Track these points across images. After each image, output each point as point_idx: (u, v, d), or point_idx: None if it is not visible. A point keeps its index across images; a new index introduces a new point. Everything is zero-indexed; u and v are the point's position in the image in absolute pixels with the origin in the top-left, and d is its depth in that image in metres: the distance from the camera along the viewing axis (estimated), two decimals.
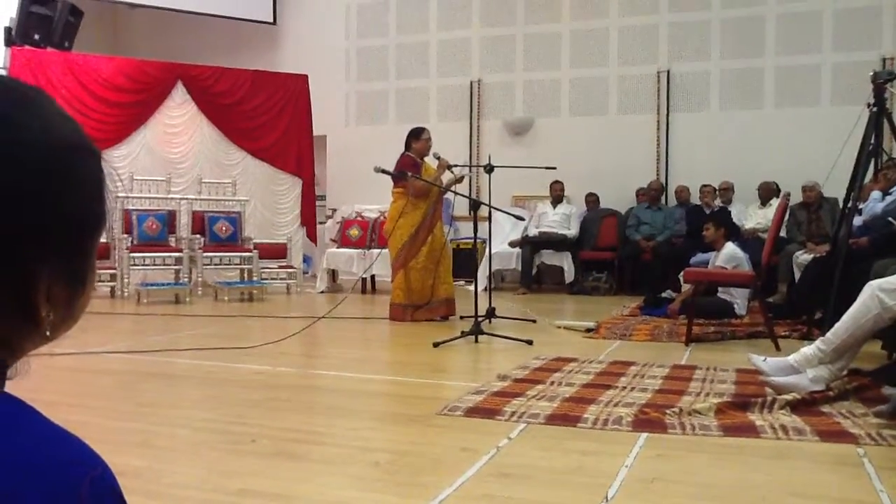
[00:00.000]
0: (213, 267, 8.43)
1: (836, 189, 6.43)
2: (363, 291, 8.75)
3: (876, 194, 5.37)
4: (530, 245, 9.02)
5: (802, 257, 6.91)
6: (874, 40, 8.78)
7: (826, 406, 3.16)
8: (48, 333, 0.62)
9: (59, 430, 0.59)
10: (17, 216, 0.57)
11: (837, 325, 3.35)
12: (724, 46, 9.38)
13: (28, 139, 0.59)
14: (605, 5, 9.86)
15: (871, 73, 5.17)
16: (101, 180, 0.65)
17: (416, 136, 6.24)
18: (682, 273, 6.16)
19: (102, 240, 0.67)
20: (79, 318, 0.66)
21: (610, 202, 9.43)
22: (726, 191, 8.79)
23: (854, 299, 3.33)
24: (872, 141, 5.06)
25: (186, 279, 8.14)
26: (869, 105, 5.11)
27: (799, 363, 3.41)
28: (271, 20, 11.15)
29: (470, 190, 9.72)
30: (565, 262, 8.99)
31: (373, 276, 8.83)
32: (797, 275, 6.79)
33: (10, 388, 0.61)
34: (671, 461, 2.50)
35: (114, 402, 3.41)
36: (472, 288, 5.95)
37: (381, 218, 8.12)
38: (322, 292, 8.66)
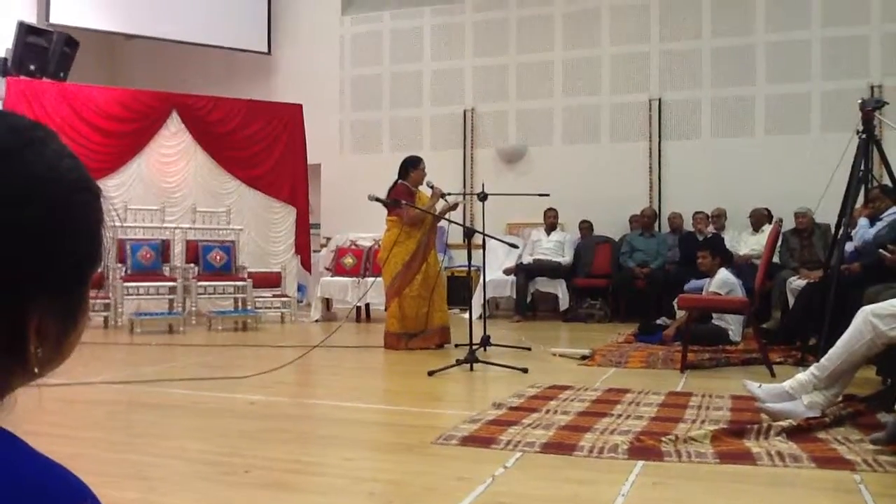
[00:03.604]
0: (206, 296, 8.41)
1: (827, 215, 6.47)
2: (357, 320, 8.73)
3: (863, 221, 5.40)
4: (524, 273, 9.02)
5: (796, 283, 6.92)
6: (862, 68, 8.89)
7: (822, 432, 3.16)
8: (36, 370, 0.62)
9: (47, 461, 0.59)
10: (17, 254, 0.58)
11: (831, 350, 3.36)
12: (714, 75, 9.48)
13: (33, 179, 0.59)
14: (596, 35, 9.97)
15: (860, 101, 5.23)
16: (100, 219, 0.66)
17: (415, 166, 6.26)
18: (676, 300, 6.16)
19: (97, 270, 0.67)
20: (69, 354, 0.66)
21: (603, 229, 9.46)
22: (719, 217, 8.84)
23: (847, 325, 3.34)
24: (862, 167, 5.11)
25: (180, 308, 8.11)
26: (858, 132, 5.16)
27: (794, 389, 3.40)
28: (266, 50, 11.24)
29: (464, 218, 9.74)
30: (559, 289, 8.99)
31: (367, 305, 8.81)
32: (791, 301, 6.80)
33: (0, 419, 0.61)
34: (667, 489, 2.48)
35: (107, 433, 3.39)
36: (466, 316, 5.94)
37: (376, 246, 8.11)
38: (316, 321, 8.63)
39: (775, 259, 7.28)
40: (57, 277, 0.61)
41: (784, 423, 3.18)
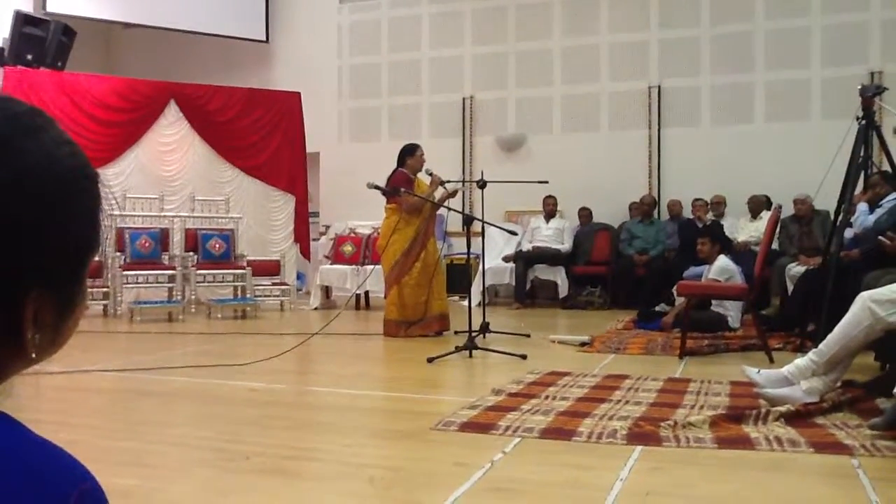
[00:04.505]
0: (206, 284, 8.41)
1: (827, 202, 6.46)
2: (357, 308, 8.74)
3: (862, 206, 5.39)
4: (524, 260, 9.03)
5: (795, 270, 6.93)
6: (862, 55, 8.86)
7: (820, 418, 3.17)
8: (33, 356, 0.62)
9: (48, 444, 0.59)
10: (15, 242, 0.57)
11: (830, 336, 3.36)
12: (714, 62, 9.45)
13: (31, 167, 0.59)
14: (595, 22, 9.93)
15: (860, 87, 5.21)
16: (98, 206, 0.65)
17: (411, 153, 6.26)
18: (675, 286, 6.17)
19: (95, 258, 0.67)
20: (66, 340, 0.66)
21: (603, 217, 9.45)
22: (718, 204, 8.83)
23: (846, 311, 3.34)
24: (862, 154, 5.10)
25: (179, 297, 8.11)
26: (858, 118, 5.15)
27: (793, 375, 3.41)
28: (264, 38, 11.20)
29: (463, 205, 9.74)
30: (559, 276, 8.99)
31: (366, 293, 8.82)
32: (790, 287, 6.81)
33: None
34: (666, 474, 2.49)
35: (106, 421, 3.40)
36: (465, 303, 5.94)
37: (375, 234, 8.11)
38: (316, 309, 8.64)
39: (774, 246, 7.29)
40: (55, 265, 0.61)
41: (782, 409, 3.19)
